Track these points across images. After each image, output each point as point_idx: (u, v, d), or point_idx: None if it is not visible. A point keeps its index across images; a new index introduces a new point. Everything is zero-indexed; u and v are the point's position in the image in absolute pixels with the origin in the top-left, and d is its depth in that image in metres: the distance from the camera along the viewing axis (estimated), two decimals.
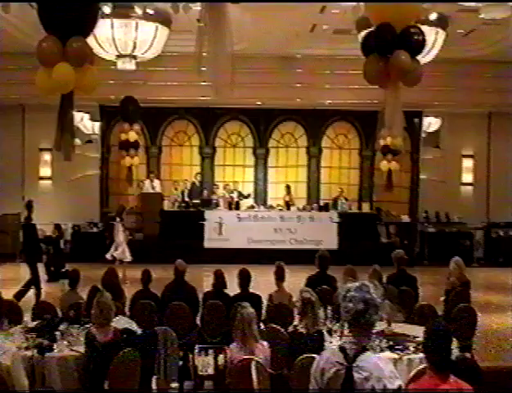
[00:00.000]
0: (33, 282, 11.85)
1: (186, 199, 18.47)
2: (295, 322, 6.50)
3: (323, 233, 17.21)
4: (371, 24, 7.45)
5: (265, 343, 5.74)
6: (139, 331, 6.67)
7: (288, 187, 19.27)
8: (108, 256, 14.65)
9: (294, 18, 13.59)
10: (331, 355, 3.35)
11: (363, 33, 8.89)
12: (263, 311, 7.91)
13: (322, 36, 15.33)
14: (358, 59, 7.81)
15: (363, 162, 20.28)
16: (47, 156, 19.24)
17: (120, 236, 14.68)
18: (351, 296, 3.29)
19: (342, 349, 3.30)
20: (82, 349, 6.04)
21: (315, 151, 20.16)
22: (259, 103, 18.53)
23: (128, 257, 14.67)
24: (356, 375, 3.17)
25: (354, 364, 3.20)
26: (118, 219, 14.80)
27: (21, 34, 14.24)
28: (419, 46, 7.22)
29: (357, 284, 3.32)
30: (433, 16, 12.61)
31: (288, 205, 18.67)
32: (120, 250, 14.61)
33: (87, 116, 18.73)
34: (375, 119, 16.35)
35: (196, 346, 7.91)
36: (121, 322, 6.70)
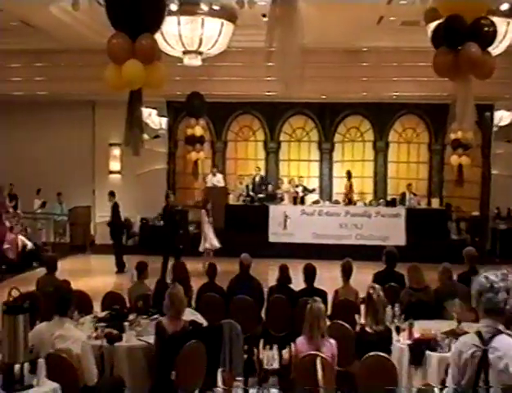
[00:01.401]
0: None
1: (251, 193, 18.56)
2: (362, 320, 6.47)
3: (390, 229, 16.94)
4: (440, 15, 7.30)
5: (332, 341, 5.71)
6: (205, 323, 6.77)
7: (349, 174, 19.01)
8: (201, 249, 14.98)
9: (360, 10, 13.44)
10: (468, 339, 3.62)
11: (431, 24, 8.71)
12: (329, 307, 7.88)
13: (389, 28, 15.11)
14: (426, 51, 7.67)
15: (432, 156, 19.89)
16: (116, 151, 19.68)
17: (206, 227, 14.92)
18: (498, 288, 3.45)
19: (478, 333, 3.54)
20: (149, 339, 6.17)
21: (382, 145, 19.90)
22: (324, 97, 18.42)
23: (216, 245, 15.01)
24: (491, 356, 3.43)
25: (489, 346, 3.45)
26: (203, 211, 14.97)
27: (90, 32, 14.60)
28: (490, 37, 7.03)
29: (499, 275, 3.47)
30: (504, 7, 12.23)
31: (349, 200, 18.40)
32: (208, 240, 14.88)
33: (154, 112, 19.04)
34: (445, 112, 15.91)
35: (261, 340, 8.03)
36: (187, 314, 6.81)
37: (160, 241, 14.71)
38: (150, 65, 6.66)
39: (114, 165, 19.96)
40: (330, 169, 20.05)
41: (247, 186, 18.83)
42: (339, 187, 19.84)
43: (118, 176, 20.01)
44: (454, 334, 5.94)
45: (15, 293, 4.77)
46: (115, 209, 15.78)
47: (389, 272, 8.45)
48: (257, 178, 18.99)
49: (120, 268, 15.22)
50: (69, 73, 16.68)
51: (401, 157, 20.10)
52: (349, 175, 18.94)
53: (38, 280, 8.47)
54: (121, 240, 16.03)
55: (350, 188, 18.66)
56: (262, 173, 19.53)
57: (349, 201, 18.20)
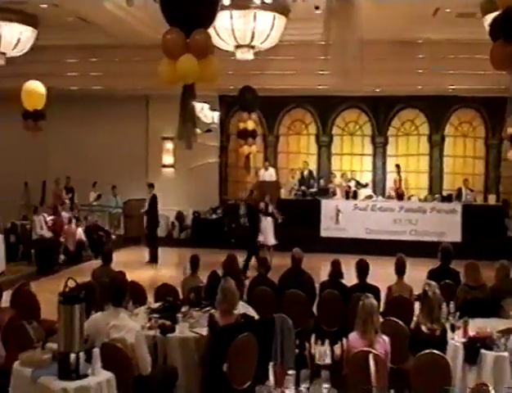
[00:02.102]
0: None
1: (303, 187, 18.52)
2: (415, 317, 6.39)
3: (446, 225, 16.66)
4: (497, 7, 7.12)
5: (385, 337, 5.66)
6: (256, 316, 6.81)
7: (398, 168, 18.78)
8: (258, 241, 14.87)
9: (416, 2, 13.24)
10: None
11: (488, 16, 8.52)
12: (381, 304, 7.82)
13: (445, 20, 14.83)
14: (483, 43, 7.50)
15: (489, 151, 19.48)
16: (169, 145, 19.92)
17: (263, 221, 14.83)
18: None
19: None
20: (202, 331, 6.24)
21: (437, 139, 19.59)
22: (378, 90, 18.22)
23: (271, 241, 14.82)
24: None
25: None
26: (261, 205, 14.93)
27: (145, 27, 14.78)
28: None
29: None
30: None
31: (399, 194, 18.16)
32: (264, 235, 14.75)
33: (207, 106, 19.16)
34: (502, 106, 15.57)
35: (313, 335, 8.02)
36: (239, 307, 6.85)
37: (245, 237, 14.83)
38: (204, 59, 6.71)
39: (167, 159, 20.20)
40: (384, 164, 19.84)
41: (299, 180, 18.83)
42: (392, 181, 19.63)
43: (171, 170, 20.25)
44: (510, 333, 5.82)
45: (71, 283, 4.87)
46: (153, 200, 16.01)
47: (444, 269, 8.32)
48: (305, 173, 18.96)
49: (153, 259, 15.38)
50: (124, 68, 16.92)
51: (457, 151, 19.74)
52: (398, 169, 18.73)
53: (94, 271, 8.65)
54: (156, 232, 16.19)
55: (399, 183, 18.45)
56: (312, 167, 19.47)
57: (399, 196, 17.98)
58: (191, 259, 8.49)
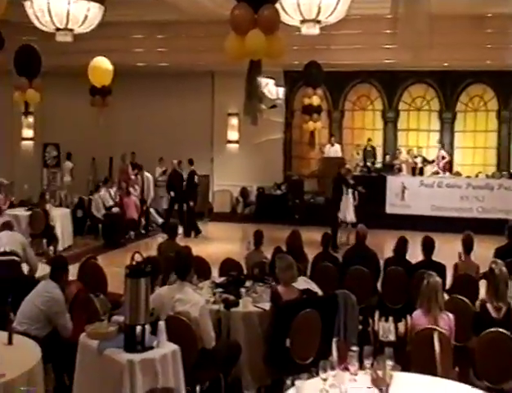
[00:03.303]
0: None
1: (368, 163, 18.28)
2: (482, 296, 6.24)
3: None
4: None
5: (450, 314, 5.55)
6: (320, 292, 6.77)
7: (442, 144, 18.44)
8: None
9: None
10: None
11: None
12: (448, 281, 7.67)
13: None
14: None
15: None
16: (234, 121, 19.95)
17: (343, 198, 14.61)
18: None
19: None
20: (265, 306, 6.25)
21: (506, 115, 18.98)
22: (446, 65, 17.73)
23: (351, 218, 14.57)
24: None
25: None
26: (349, 179, 14.69)
27: (210, 2, 14.77)
28: None
29: None
30: None
31: (445, 170, 17.81)
32: (343, 212, 14.55)
33: (272, 82, 19.06)
34: None
35: (376, 311, 7.95)
36: (302, 283, 6.84)
37: (328, 211, 14.67)
38: (272, 35, 6.65)
39: (232, 135, 20.25)
40: (452, 140, 19.38)
41: (364, 156, 18.59)
42: (461, 158, 19.20)
43: (235, 145, 20.30)
44: None
45: (137, 257, 4.93)
46: (192, 176, 16.05)
47: None
48: (368, 149, 18.71)
49: (196, 232, 15.54)
50: (190, 44, 16.99)
51: None
52: (443, 145, 18.28)
53: (160, 245, 8.78)
54: (194, 207, 16.21)
55: (443, 158, 17.98)
56: (377, 143, 19.21)
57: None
58: (255, 234, 8.50)
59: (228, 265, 8.02)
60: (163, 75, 19.03)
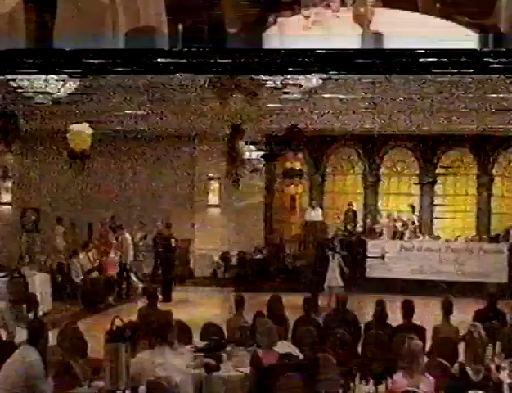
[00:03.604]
0: None
1: (349, 227, 18.48)
2: (461, 358, 6.33)
3: (492, 266, 16.41)
4: None
5: (430, 377, 5.64)
6: (301, 356, 6.82)
7: (413, 208, 18.73)
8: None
9: None
10: None
11: None
12: (427, 344, 7.75)
13: None
14: None
15: None
16: (215, 185, 20.07)
17: (330, 261, 14.56)
18: None
19: None
20: (247, 370, 6.29)
21: (485, 179, 19.34)
22: (425, 128, 18.11)
23: (337, 282, 14.31)
24: None
25: None
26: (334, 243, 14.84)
27: None
28: None
29: None
30: None
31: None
32: (329, 275, 14.44)
33: (252, 147, 19.38)
34: None
35: (357, 375, 7.98)
36: (284, 346, 6.88)
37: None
38: (253, 101, 6.88)
39: (213, 199, 20.29)
40: (431, 204, 19.65)
41: (343, 220, 18.78)
42: (440, 221, 19.45)
43: (216, 209, 20.32)
44: None
45: (117, 322, 4.97)
46: (170, 239, 16.14)
47: (491, 310, 8.22)
48: (349, 213, 18.93)
49: (166, 298, 15.35)
50: (172, 108, 17.19)
51: (505, 191, 19.44)
52: (413, 209, 18.64)
53: (140, 310, 8.78)
54: (171, 271, 16.29)
55: (413, 223, 18.31)
56: (358, 207, 19.44)
57: (400, 235, 17.95)
58: (236, 298, 8.56)
59: (209, 330, 8.06)
60: (141, 139, 19.15)
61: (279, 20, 3.97)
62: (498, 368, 6.18)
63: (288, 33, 3.89)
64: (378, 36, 3.79)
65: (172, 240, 16.14)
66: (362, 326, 8.46)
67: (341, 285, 14.21)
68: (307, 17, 3.96)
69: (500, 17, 4.78)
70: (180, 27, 5.05)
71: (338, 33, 3.90)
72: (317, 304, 13.42)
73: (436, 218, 19.58)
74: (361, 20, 3.78)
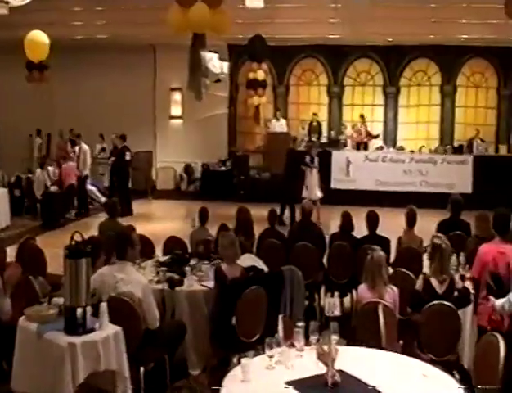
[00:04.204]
0: None
1: (313, 139, 18.36)
2: (425, 269, 6.34)
3: (456, 176, 16.57)
4: None
5: (394, 288, 5.64)
6: (266, 269, 6.78)
7: (362, 117, 18.57)
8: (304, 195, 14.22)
9: None
10: None
11: None
12: (392, 255, 7.78)
13: None
14: None
15: (501, 102, 19.20)
16: (177, 96, 19.70)
17: (308, 175, 14.41)
18: None
19: None
20: (210, 284, 6.22)
21: (449, 89, 19.30)
22: (390, 40, 17.88)
23: (316, 195, 14.23)
24: None
25: None
26: (307, 158, 14.45)
27: None
28: None
29: None
30: None
31: (364, 144, 17.94)
32: (309, 189, 14.31)
33: (216, 56, 18.88)
34: None
35: (322, 287, 8.02)
36: (248, 260, 6.83)
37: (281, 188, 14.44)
38: (216, 9, 6.55)
39: (176, 110, 20.01)
40: (395, 114, 19.62)
41: (308, 131, 18.65)
42: (404, 132, 19.46)
43: (179, 121, 20.09)
44: None
45: (77, 237, 4.82)
46: (123, 152, 15.62)
47: (455, 220, 8.23)
48: (314, 124, 18.76)
49: (127, 212, 14.88)
50: (130, 16, 16.60)
51: (468, 102, 19.46)
52: (363, 119, 18.50)
53: (101, 225, 8.62)
54: (127, 184, 15.92)
55: (365, 132, 18.21)
56: (323, 118, 19.29)
57: (365, 146, 17.88)
58: (200, 211, 8.44)
59: (172, 243, 7.95)
60: (102, 49, 18.56)
61: (242, 360, 4.03)
62: (463, 278, 6.22)
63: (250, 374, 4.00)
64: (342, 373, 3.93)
65: (128, 153, 15.71)
66: (327, 238, 8.44)
67: (320, 197, 14.21)
68: (270, 357, 4.12)
69: None
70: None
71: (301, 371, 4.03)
72: (282, 216, 13.39)
73: (400, 128, 19.57)
74: (326, 358, 3.91)
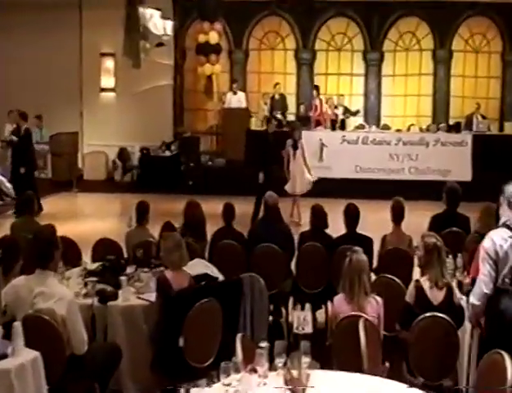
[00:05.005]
0: None
1: (279, 116, 18.42)
2: (416, 275, 6.41)
3: (453, 161, 16.82)
4: None
5: (378, 298, 5.70)
6: (221, 277, 6.78)
7: (317, 89, 18.76)
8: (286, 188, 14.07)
9: None
10: (502, 233, 5.28)
11: None
12: (375, 258, 7.86)
13: None
14: None
15: (506, 70, 19.56)
16: (109, 63, 19.57)
17: (291, 163, 14.15)
18: None
19: (507, 226, 5.27)
20: (152, 297, 6.20)
21: (444, 55, 19.57)
22: None
23: (299, 188, 14.08)
24: None
25: None
26: (289, 142, 14.22)
27: None
28: None
29: None
30: None
31: (318, 123, 18.09)
32: (292, 181, 14.12)
33: (158, 13, 18.80)
34: None
35: (290, 298, 8.06)
36: (199, 266, 6.82)
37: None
38: None
39: (107, 81, 19.88)
40: (379, 86, 19.83)
41: (269, 107, 18.66)
42: (389, 108, 19.65)
43: (111, 94, 19.96)
44: None
45: None
46: (27, 136, 15.25)
47: (451, 214, 8.35)
48: (276, 97, 18.77)
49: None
50: None
51: (467, 71, 19.79)
52: (317, 91, 18.66)
53: (13, 224, 8.51)
54: (33, 175, 15.49)
55: (320, 108, 18.39)
56: (290, 91, 19.37)
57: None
58: (138, 207, 8.39)
59: (104, 247, 7.91)
60: (13, 6, 18.31)
61: (193, 391, 4.10)
62: (460, 285, 6.30)
63: None
64: None
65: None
66: (296, 237, 8.49)
67: (304, 191, 14.16)
68: (227, 385, 4.11)
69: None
70: None
71: None
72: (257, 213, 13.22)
73: (385, 103, 19.77)
74: (295, 385, 3.94)
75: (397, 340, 5.91)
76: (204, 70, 17.19)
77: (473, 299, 5.35)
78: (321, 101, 18.52)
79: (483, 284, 5.23)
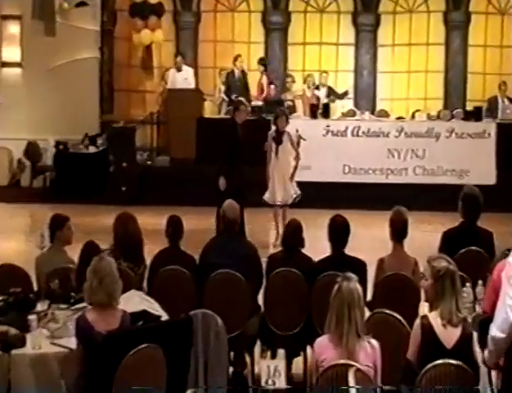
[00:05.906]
0: None
1: (241, 98, 18.44)
2: (423, 309, 6.46)
3: (471, 158, 17.00)
4: None
5: (374, 342, 5.73)
6: (164, 315, 6.78)
7: (263, 63, 19.06)
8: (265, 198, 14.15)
9: None
10: None
11: None
12: (369, 288, 7.90)
13: None
14: None
15: None
16: (14, 28, 19.50)
17: (272, 162, 14.26)
18: None
19: None
20: (71, 343, 6.18)
21: (459, 18, 19.76)
22: None
23: (283, 197, 13.89)
24: None
25: None
26: (271, 133, 14.34)
27: None
28: None
29: None
30: None
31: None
32: (271, 186, 14.14)
33: None
34: None
35: (257, 342, 8.07)
36: (135, 300, 6.81)
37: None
38: None
39: (11, 52, 19.80)
40: (374, 60, 19.95)
41: (228, 86, 18.60)
42: (387, 89, 19.77)
43: (16, 70, 19.87)
44: None
45: None
46: None
47: (469, 228, 8.44)
48: (236, 74, 18.73)
49: None
50: None
51: (489, 40, 19.98)
52: (265, 66, 18.90)
53: None
54: None
55: (267, 88, 18.62)
56: (252, 65, 19.45)
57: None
58: (52, 221, 8.38)
59: (6, 276, 7.89)
60: None
61: None
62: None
63: None
64: None
65: None
66: (265, 261, 8.50)
67: (289, 202, 13.97)
68: None
69: None
70: None
71: None
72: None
73: (382, 82, 19.95)
74: None
75: None
76: (140, 37, 17.23)
77: (495, 330, 5.21)
78: (269, 79, 18.71)
79: (510, 310, 5.04)
